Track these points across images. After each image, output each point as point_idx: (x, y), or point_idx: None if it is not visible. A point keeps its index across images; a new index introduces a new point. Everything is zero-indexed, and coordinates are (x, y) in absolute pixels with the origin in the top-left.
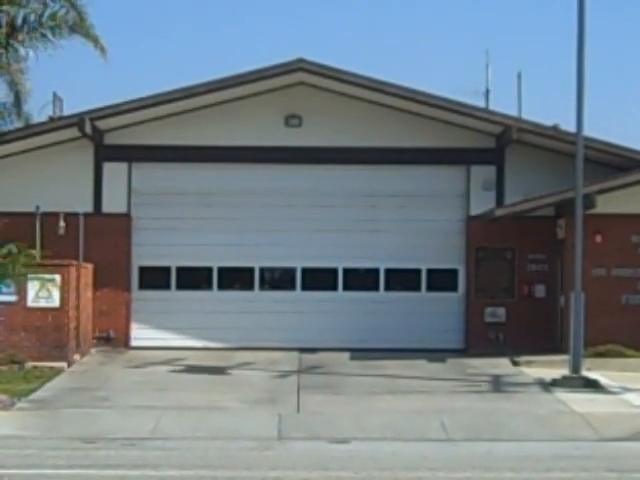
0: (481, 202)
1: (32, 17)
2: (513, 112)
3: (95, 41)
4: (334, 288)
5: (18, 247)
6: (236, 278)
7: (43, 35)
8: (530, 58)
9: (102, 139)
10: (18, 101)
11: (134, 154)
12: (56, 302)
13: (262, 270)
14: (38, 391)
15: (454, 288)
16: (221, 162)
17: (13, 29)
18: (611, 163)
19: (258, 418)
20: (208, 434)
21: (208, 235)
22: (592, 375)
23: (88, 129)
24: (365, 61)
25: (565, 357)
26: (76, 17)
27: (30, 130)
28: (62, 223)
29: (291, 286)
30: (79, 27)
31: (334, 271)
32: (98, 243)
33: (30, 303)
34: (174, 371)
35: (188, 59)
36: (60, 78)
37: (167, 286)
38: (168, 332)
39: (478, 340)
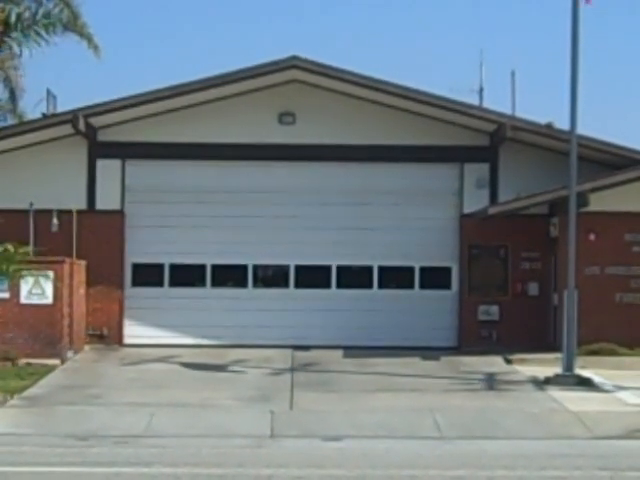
0: (474, 200)
1: (26, 15)
2: (507, 110)
3: (89, 39)
4: (327, 286)
5: (14, 247)
6: (229, 275)
7: (37, 33)
8: (524, 56)
9: (95, 136)
10: (13, 98)
11: (128, 151)
12: (49, 299)
13: (255, 267)
14: (31, 388)
15: (447, 286)
16: (215, 159)
17: (7, 26)
18: (605, 161)
19: (251, 416)
20: (201, 432)
21: (201, 232)
22: (585, 373)
23: (82, 126)
24: (360, 59)
25: (558, 355)
26: (70, 15)
27: (23, 127)
28: (55, 220)
29: (284, 284)
30: (73, 25)
31: (327, 269)
32: (91, 240)
33: (23, 300)
34: (167, 368)
35: (182, 56)
36: (54, 75)
37: (160, 283)
38: (161, 329)
39: (471, 338)
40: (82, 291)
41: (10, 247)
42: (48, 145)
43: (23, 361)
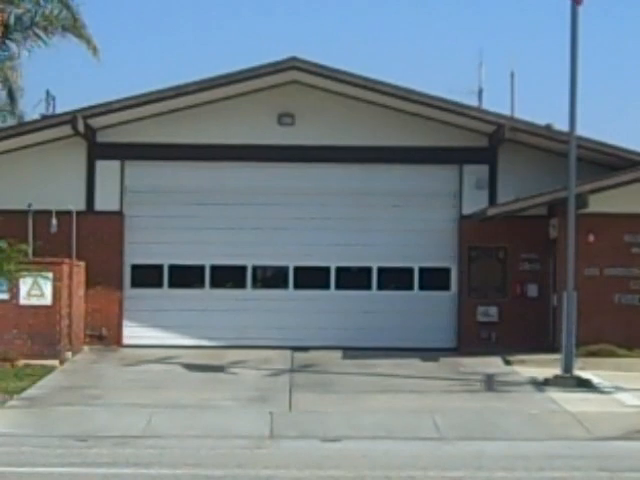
0: (474, 201)
1: (26, 16)
2: (506, 111)
3: (88, 41)
4: (327, 287)
5: (10, 244)
6: (229, 276)
7: (36, 34)
8: (523, 57)
9: (95, 137)
10: (11, 98)
11: (127, 152)
12: (48, 300)
13: (255, 268)
14: (30, 389)
15: (446, 287)
16: (214, 160)
17: (6, 27)
18: (604, 162)
19: (250, 416)
20: (200, 432)
21: (201, 233)
22: (584, 374)
23: (81, 127)
24: (359, 60)
25: (557, 356)
26: (69, 17)
27: (22, 128)
28: (54, 221)
29: (284, 284)
30: (72, 27)
31: (327, 270)
32: (90, 241)
33: (22, 301)
34: (166, 369)
35: (182, 57)
36: (53, 76)
37: (159, 284)
38: (160, 330)
39: (470, 339)
40: (81, 292)
41: (5, 244)
42: (47, 146)
43: (22, 362)
